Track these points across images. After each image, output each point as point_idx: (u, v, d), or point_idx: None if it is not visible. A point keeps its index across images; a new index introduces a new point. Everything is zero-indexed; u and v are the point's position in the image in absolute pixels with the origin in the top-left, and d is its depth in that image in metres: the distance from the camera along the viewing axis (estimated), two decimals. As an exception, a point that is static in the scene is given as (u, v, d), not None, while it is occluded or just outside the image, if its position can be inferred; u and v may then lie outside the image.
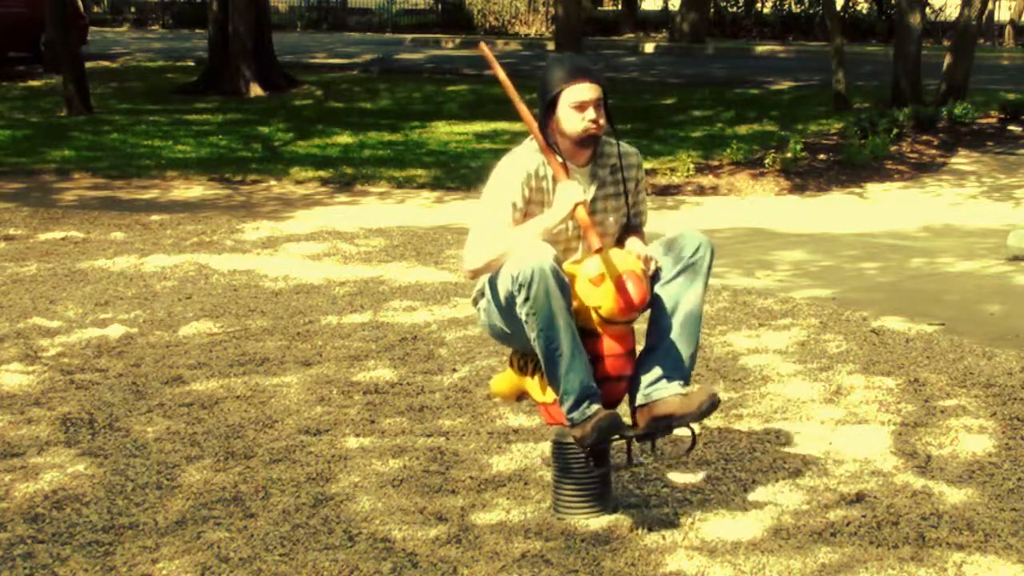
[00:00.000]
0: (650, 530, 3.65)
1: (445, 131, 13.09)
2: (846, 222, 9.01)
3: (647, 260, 3.68)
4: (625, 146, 3.86)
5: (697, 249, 3.69)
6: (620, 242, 3.89)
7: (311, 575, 3.39)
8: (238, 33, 15.72)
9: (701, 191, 10.20)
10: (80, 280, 6.78)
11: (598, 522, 3.70)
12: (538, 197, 3.71)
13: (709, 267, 3.72)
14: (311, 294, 6.49)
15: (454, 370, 5.22)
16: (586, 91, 3.65)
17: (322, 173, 10.66)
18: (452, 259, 7.34)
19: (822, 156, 11.34)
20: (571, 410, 3.57)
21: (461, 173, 10.64)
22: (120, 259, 7.29)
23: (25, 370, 5.15)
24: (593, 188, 3.76)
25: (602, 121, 3.67)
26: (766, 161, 10.90)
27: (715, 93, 15.76)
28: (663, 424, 3.68)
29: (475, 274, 3.75)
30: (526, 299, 3.48)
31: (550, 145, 3.71)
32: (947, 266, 7.48)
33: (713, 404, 3.63)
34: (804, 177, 10.65)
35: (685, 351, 3.72)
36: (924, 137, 12.10)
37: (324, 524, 3.71)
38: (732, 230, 8.59)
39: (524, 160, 3.73)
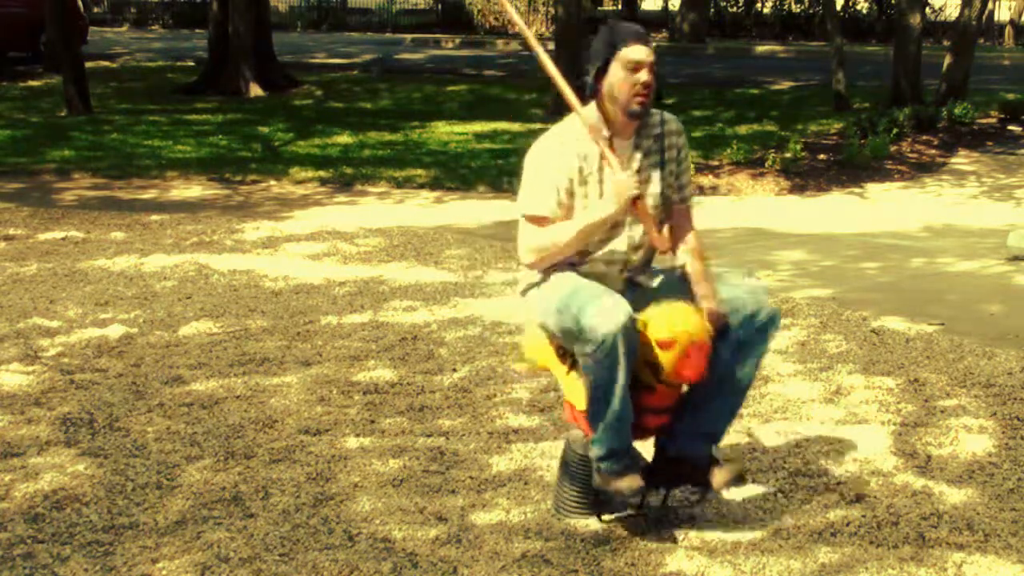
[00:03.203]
0: (650, 530, 3.65)
1: (445, 131, 13.09)
2: (846, 222, 9.01)
3: (717, 319, 3.54)
4: (667, 115, 3.73)
5: (769, 322, 3.58)
6: (675, 238, 3.73)
7: (311, 575, 3.39)
8: (238, 33, 15.72)
9: (701, 191, 10.19)
10: (80, 280, 6.77)
11: (598, 522, 3.69)
12: (581, 176, 3.57)
13: (771, 339, 3.64)
14: (311, 294, 6.49)
15: (454, 370, 5.21)
16: (643, 52, 3.52)
17: (322, 173, 10.66)
18: (452, 259, 7.35)
19: (822, 156, 11.34)
20: (601, 459, 3.54)
21: (461, 173, 10.64)
22: (120, 259, 7.29)
23: (25, 370, 5.14)
24: (637, 159, 3.62)
25: (652, 87, 3.54)
26: (766, 161, 10.90)
27: (715, 93, 15.77)
28: (683, 480, 3.68)
29: (535, 267, 3.64)
30: (590, 355, 3.38)
31: (596, 103, 3.56)
32: (947, 266, 7.48)
33: (737, 483, 3.62)
34: (804, 177, 10.65)
35: (727, 415, 3.69)
36: (924, 137, 12.11)
37: (324, 524, 3.71)
38: (732, 230, 8.59)
39: (564, 140, 3.59)
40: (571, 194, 3.57)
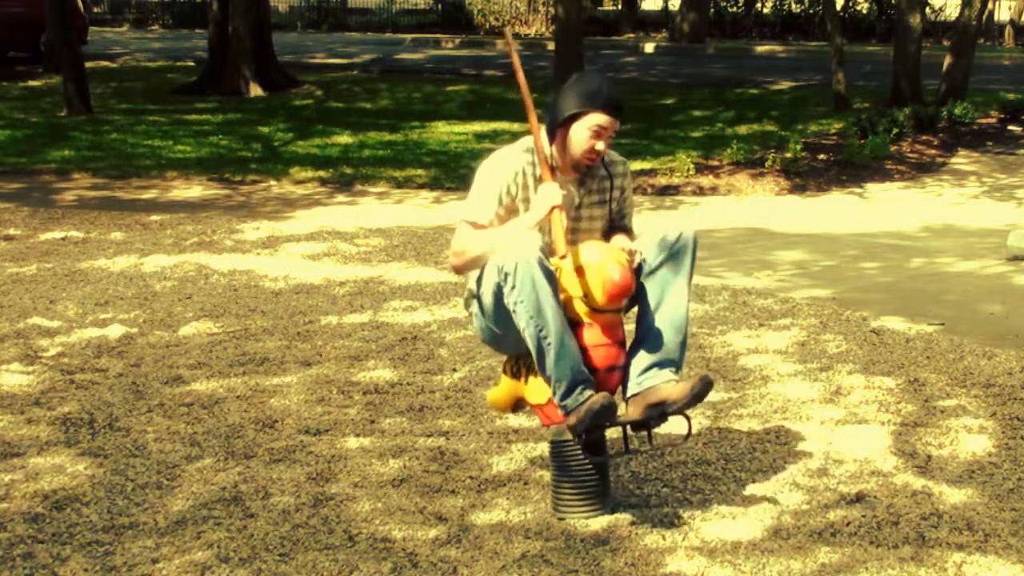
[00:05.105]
0: (650, 530, 3.65)
1: (445, 131, 13.09)
2: (846, 222, 9.00)
3: (631, 253, 3.71)
4: (613, 155, 3.90)
5: (679, 238, 3.71)
6: (605, 239, 3.92)
7: (311, 575, 3.39)
8: (238, 33, 15.72)
9: (701, 191, 10.20)
10: (80, 280, 6.78)
11: (598, 522, 3.70)
12: (524, 195, 3.75)
13: (694, 256, 3.74)
14: (311, 294, 6.49)
15: (454, 370, 5.22)
16: (610, 123, 3.73)
17: (322, 173, 10.66)
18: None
19: (822, 156, 11.34)
20: (564, 397, 3.56)
21: (460, 173, 10.64)
22: (120, 259, 7.29)
23: (25, 370, 5.15)
24: (580, 195, 3.82)
25: (602, 154, 3.77)
26: (766, 161, 10.90)
27: (715, 93, 15.76)
28: (657, 411, 3.67)
29: (459, 270, 3.81)
30: (512, 287, 3.52)
31: (554, 138, 3.78)
32: (947, 266, 7.48)
33: (706, 387, 3.62)
34: (804, 177, 10.65)
35: (674, 339, 3.72)
36: (924, 137, 12.11)
37: (324, 524, 3.71)
38: (732, 230, 8.59)
39: (511, 159, 3.78)
40: (511, 210, 3.73)
